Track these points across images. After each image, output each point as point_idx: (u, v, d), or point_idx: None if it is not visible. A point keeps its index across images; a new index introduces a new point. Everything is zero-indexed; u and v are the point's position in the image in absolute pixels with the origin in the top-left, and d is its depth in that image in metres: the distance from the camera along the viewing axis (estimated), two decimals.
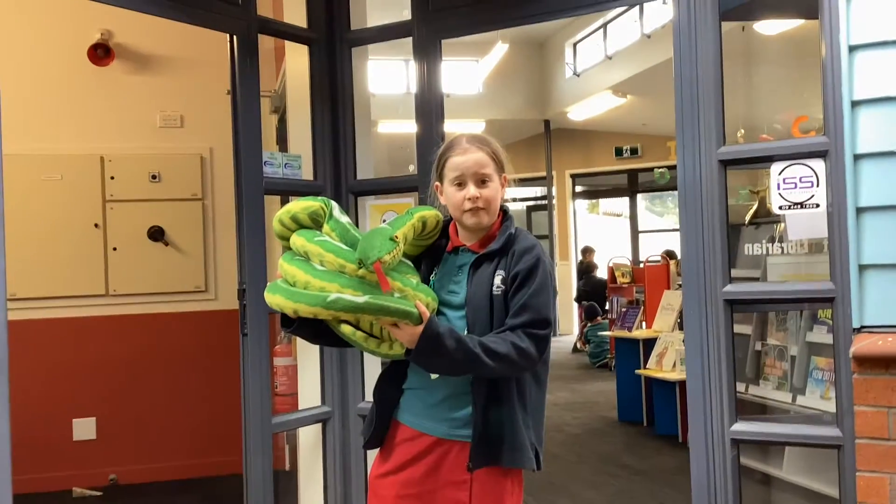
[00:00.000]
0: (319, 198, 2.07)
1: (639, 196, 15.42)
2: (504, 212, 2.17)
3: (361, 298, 1.86)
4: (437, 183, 2.17)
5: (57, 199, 5.23)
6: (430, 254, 2.19)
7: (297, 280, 1.94)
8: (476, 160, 2.09)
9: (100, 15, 5.24)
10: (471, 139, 2.14)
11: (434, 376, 2.05)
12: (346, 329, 2.01)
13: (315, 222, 2.05)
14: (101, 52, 5.24)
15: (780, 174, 2.53)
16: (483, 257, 2.09)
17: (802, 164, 2.49)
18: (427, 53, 3.31)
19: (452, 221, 2.19)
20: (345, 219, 2.05)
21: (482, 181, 2.08)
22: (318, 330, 2.02)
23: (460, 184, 2.08)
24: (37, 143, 5.12)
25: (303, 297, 1.89)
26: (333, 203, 2.07)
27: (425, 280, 2.12)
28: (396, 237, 1.91)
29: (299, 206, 2.05)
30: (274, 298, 1.95)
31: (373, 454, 2.27)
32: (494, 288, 2.04)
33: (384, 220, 2.19)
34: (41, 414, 5.00)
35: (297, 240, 2.01)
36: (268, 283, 2.03)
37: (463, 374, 2.01)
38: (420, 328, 1.89)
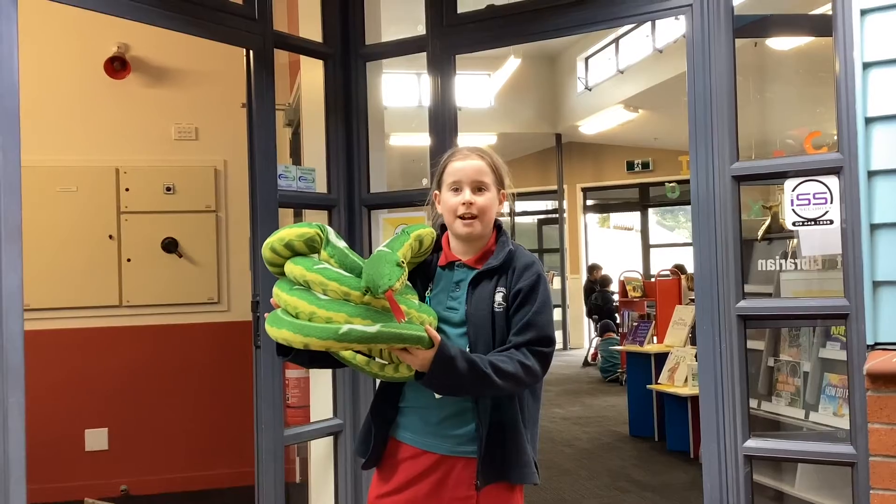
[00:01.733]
0: (314, 224, 1.99)
1: (650, 210, 15.41)
2: (498, 227, 2.17)
3: (373, 328, 1.80)
4: (436, 192, 2.17)
5: (72, 211, 5.26)
6: (422, 269, 2.17)
7: (300, 311, 1.86)
8: (475, 167, 2.09)
9: (116, 28, 5.28)
10: (472, 148, 2.15)
11: (439, 395, 2.03)
12: (348, 355, 2.02)
13: (311, 248, 1.97)
14: (117, 65, 5.28)
15: (793, 190, 2.53)
16: (482, 274, 2.08)
17: (816, 180, 2.49)
18: (441, 68, 3.34)
19: (445, 233, 2.18)
20: (341, 244, 1.99)
21: (478, 189, 2.08)
22: (313, 355, 2.00)
23: (457, 189, 2.08)
24: (53, 154, 5.16)
25: (313, 331, 1.82)
26: (329, 228, 2.00)
27: (420, 296, 2.10)
28: (402, 262, 1.87)
29: (293, 232, 1.96)
30: (280, 333, 1.86)
31: (369, 473, 2.25)
32: (496, 305, 2.03)
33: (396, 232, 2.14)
34: (54, 424, 5.02)
35: (295, 268, 1.93)
36: (267, 315, 1.95)
37: (472, 394, 2.00)
38: (432, 352, 1.87)
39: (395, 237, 2.07)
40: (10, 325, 2.23)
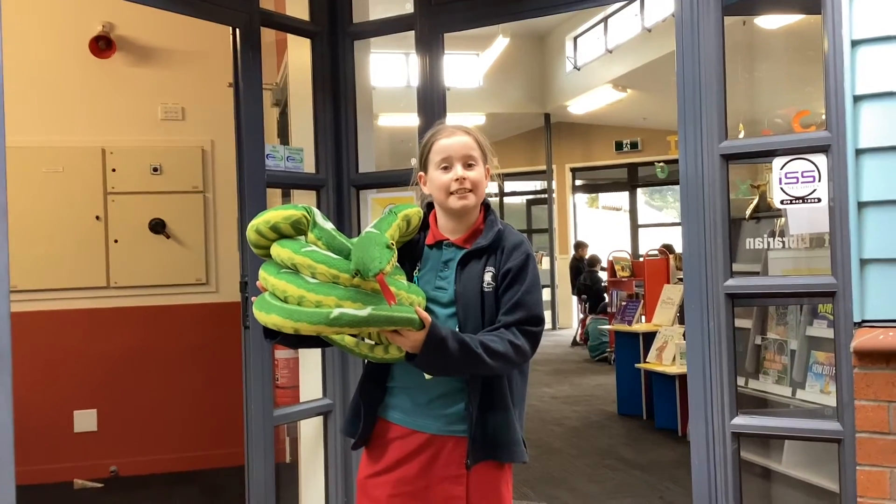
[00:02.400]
0: (300, 206, 1.95)
1: (639, 190, 15.43)
2: (486, 206, 2.16)
3: (364, 312, 1.79)
4: (421, 172, 2.15)
5: (58, 192, 5.23)
6: (409, 248, 2.15)
7: (288, 295, 1.84)
8: (463, 143, 2.08)
9: (101, 7, 5.25)
10: (456, 125, 2.14)
11: (429, 377, 2.03)
12: (337, 336, 2.01)
13: (297, 231, 1.94)
14: (102, 45, 5.24)
15: (781, 169, 2.53)
16: (471, 254, 2.07)
17: (804, 158, 2.50)
18: (429, 47, 3.32)
19: (432, 211, 2.17)
20: (328, 225, 1.97)
21: (469, 164, 2.07)
22: (301, 336, 1.98)
23: (447, 167, 2.07)
24: (38, 135, 5.12)
25: (303, 316, 1.80)
26: (315, 210, 1.98)
27: (408, 276, 2.09)
28: (392, 244, 1.85)
29: (279, 215, 1.92)
30: (270, 318, 1.84)
31: (358, 453, 2.25)
32: (485, 285, 2.03)
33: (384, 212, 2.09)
34: (42, 405, 5.01)
35: (282, 251, 1.90)
36: (255, 299, 1.93)
37: (463, 374, 2.00)
38: (423, 333, 1.86)
39: (383, 217, 2.05)
40: None
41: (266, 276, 1.91)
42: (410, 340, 1.87)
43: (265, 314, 1.85)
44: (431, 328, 1.87)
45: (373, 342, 2.03)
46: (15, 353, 2.24)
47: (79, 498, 5.01)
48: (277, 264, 1.92)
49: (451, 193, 2.06)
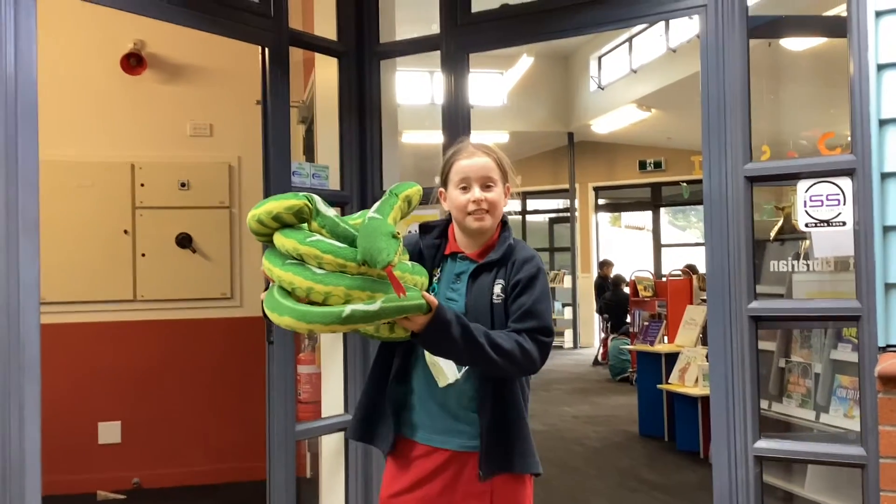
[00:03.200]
0: (301, 194, 1.92)
1: (662, 210, 15.38)
2: (503, 222, 2.18)
3: (375, 306, 1.79)
4: (441, 189, 2.18)
5: (88, 206, 5.30)
6: (431, 254, 2.17)
7: (295, 286, 1.83)
8: (482, 164, 2.10)
9: (133, 25, 5.30)
10: (477, 145, 2.16)
11: (442, 384, 2.04)
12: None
13: (300, 219, 1.91)
14: (133, 62, 5.32)
15: (806, 192, 2.53)
16: (482, 267, 2.10)
17: (829, 181, 2.49)
18: (455, 67, 3.35)
19: (451, 224, 2.19)
20: (331, 212, 1.95)
21: (487, 185, 2.10)
22: None
23: (465, 187, 2.10)
24: (69, 150, 5.20)
25: (316, 317, 1.79)
26: (316, 197, 1.94)
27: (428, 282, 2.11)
28: (398, 234, 1.84)
29: (282, 205, 1.89)
30: (283, 320, 1.83)
31: (380, 469, 2.25)
32: (494, 297, 2.06)
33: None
34: (67, 417, 5.05)
35: (287, 241, 1.88)
36: (264, 294, 1.92)
37: (465, 362, 2.01)
38: (429, 316, 1.87)
39: (384, 200, 2.05)
40: (27, 318, 2.25)
41: (271, 267, 1.90)
42: (417, 323, 1.88)
43: (278, 315, 1.85)
44: (437, 310, 1.88)
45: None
46: (42, 365, 2.27)
47: None
48: (281, 254, 1.90)
49: (469, 214, 2.09)
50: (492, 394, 2.04)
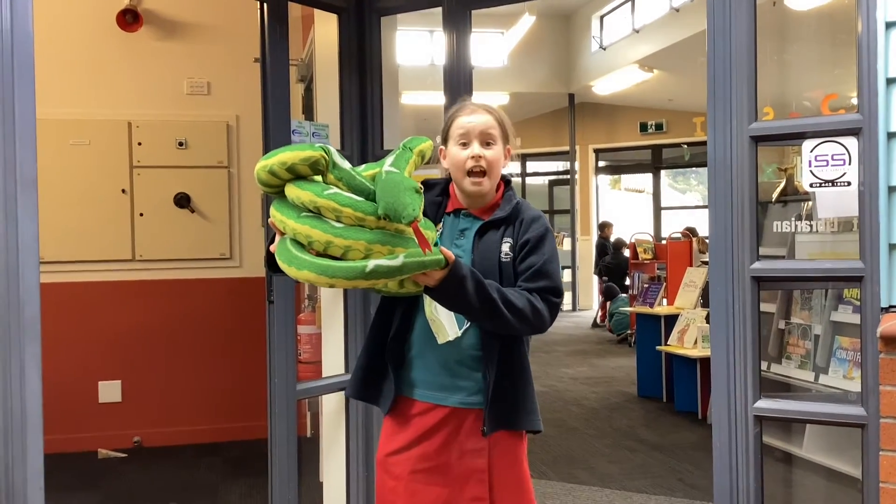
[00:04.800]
0: (317, 145, 1.85)
1: (662, 172, 15.32)
2: (506, 181, 2.17)
3: (398, 260, 1.77)
4: (442, 147, 2.17)
5: (85, 165, 5.27)
6: (431, 210, 2.15)
7: (313, 240, 1.79)
8: (483, 121, 2.09)
9: None
10: (479, 103, 2.15)
11: (441, 341, 2.03)
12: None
13: (314, 171, 1.85)
14: (129, 18, 5.25)
15: (811, 151, 2.51)
16: (489, 224, 2.09)
17: (835, 141, 2.47)
18: (456, 24, 3.30)
19: (452, 181, 2.18)
20: (346, 164, 1.90)
21: (486, 143, 2.08)
22: None
23: (465, 143, 2.09)
24: (65, 108, 5.16)
25: (339, 271, 1.76)
26: (332, 149, 1.88)
27: None
28: (420, 188, 1.81)
29: (297, 156, 1.82)
30: (302, 273, 1.79)
31: (380, 427, 2.25)
32: (503, 255, 2.06)
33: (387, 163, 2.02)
34: (68, 376, 5.07)
35: (303, 193, 1.82)
36: (277, 244, 1.88)
37: (477, 318, 1.99)
38: (445, 271, 1.86)
39: (399, 154, 2.02)
40: (26, 276, 2.24)
41: (284, 220, 1.86)
42: (434, 278, 1.87)
43: (296, 269, 1.80)
44: (454, 265, 1.87)
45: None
46: (42, 324, 2.26)
47: (103, 467, 5.08)
48: (295, 206, 1.85)
49: (467, 174, 2.07)
50: (498, 351, 2.04)
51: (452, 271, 1.86)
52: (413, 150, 2.05)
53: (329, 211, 1.81)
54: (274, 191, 1.93)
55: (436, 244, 1.93)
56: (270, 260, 1.94)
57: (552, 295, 2.02)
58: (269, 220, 1.92)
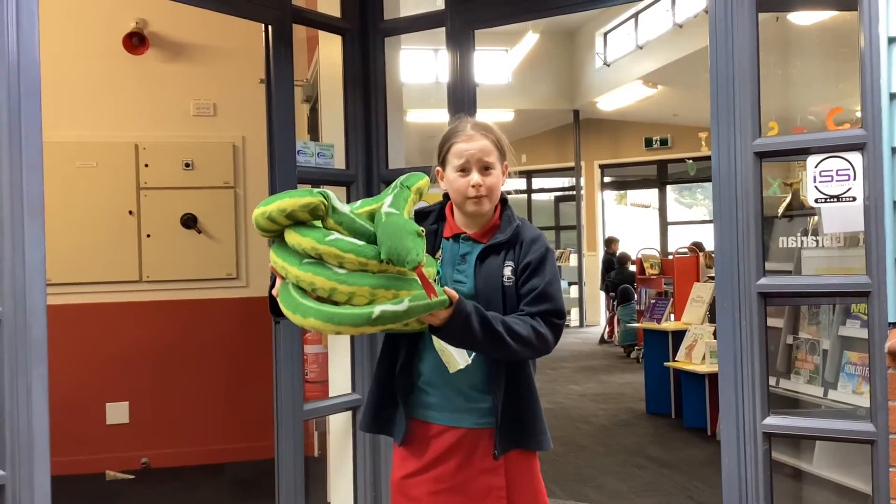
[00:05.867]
0: (315, 191, 1.85)
1: (668, 187, 15.32)
2: (503, 200, 2.17)
3: (404, 305, 1.77)
4: (439, 168, 2.16)
5: (92, 186, 5.29)
6: (429, 238, 2.12)
7: (316, 286, 1.80)
8: (480, 147, 2.08)
9: (135, 4, 5.30)
10: (475, 126, 2.13)
11: (452, 370, 2.03)
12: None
13: (314, 217, 1.87)
14: (136, 41, 5.28)
15: (816, 167, 2.51)
16: (490, 248, 2.09)
17: (839, 156, 2.47)
18: (460, 43, 3.32)
19: (448, 203, 2.18)
20: (345, 208, 1.91)
21: (485, 168, 2.08)
22: None
23: (464, 170, 2.08)
24: (72, 130, 5.19)
25: (345, 319, 1.77)
26: (330, 193, 1.88)
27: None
28: (422, 231, 1.82)
29: (296, 203, 1.84)
30: (308, 321, 1.79)
31: (388, 449, 2.24)
32: (505, 279, 2.05)
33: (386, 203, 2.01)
34: (75, 398, 5.07)
35: (304, 240, 1.83)
36: (279, 289, 1.88)
37: (484, 352, 2.00)
38: (450, 310, 1.86)
39: (397, 194, 2.02)
40: (33, 298, 2.25)
41: (286, 266, 1.86)
42: (439, 318, 1.87)
43: (301, 317, 1.80)
44: (458, 304, 1.87)
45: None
46: (49, 346, 2.27)
47: (110, 489, 5.07)
48: (295, 252, 1.86)
49: (468, 198, 2.08)
50: (505, 374, 2.05)
51: (457, 310, 1.87)
52: (411, 188, 2.05)
53: (331, 257, 1.81)
54: (272, 235, 1.94)
55: (438, 276, 1.93)
56: (273, 304, 1.95)
57: (555, 317, 2.03)
58: (270, 264, 1.93)
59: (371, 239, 1.85)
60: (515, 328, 1.95)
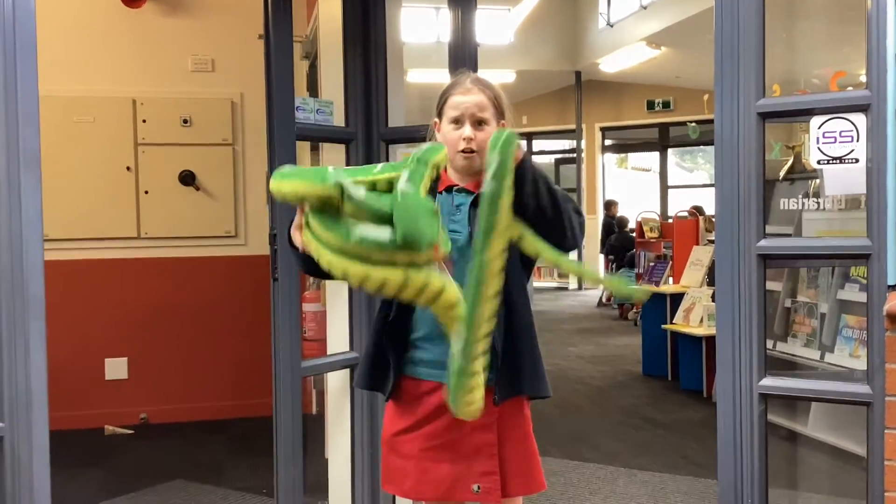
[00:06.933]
0: (328, 178, 1.81)
1: (669, 151, 15.25)
2: None
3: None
4: (436, 119, 2.16)
5: (89, 142, 5.27)
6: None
7: (349, 275, 1.81)
8: (476, 102, 2.08)
9: None
10: (475, 80, 2.13)
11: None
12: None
13: (328, 205, 1.84)
14: None
15: (819, 128, 2.48)
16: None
17: (843, 118, 2.44)
18: (462, 1, 3.26)
19: None
20: (360, 192, 1.84)
21: (479, 123, 2.08)
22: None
23: (457, 123, 2.08)
24: (69, 84, 5.14)
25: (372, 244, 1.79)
26: (343, 179, 1.82)
27: None
28: (437, 209, 1.82)
29: (310, 191, 1.81)
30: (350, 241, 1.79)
31: (383, 406, 2.25)
32: None
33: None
34: (74, 353, 5.09)
35: (329, 236, 1.82)
36: (303, 235, 1.87)
37: (544, 201, 1.95)
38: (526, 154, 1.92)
39: (413, 170, 1.95)
40: (30, 253, 2.24)
41: (319, 249, 1.84)
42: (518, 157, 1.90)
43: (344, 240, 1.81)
44: (524, 160, 1.91)
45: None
46: (47, 302, 2.27)
47: (109, 444, 5.12)
48: (324, 238, 1.85)
49: (459, 151, 2.08)
50: (504, 318, 2.04)
51: (525, 162, 1.91)
52: (428, 163, 2.00)
53: (358, 254, 1.81)
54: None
55: (452, 255, 1.94)
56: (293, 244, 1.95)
57: (576, 211, 2.04)
58: (303, 239, 1.89)
59: (390, 217, 1.81)
60: (561, 192, 1.99)
